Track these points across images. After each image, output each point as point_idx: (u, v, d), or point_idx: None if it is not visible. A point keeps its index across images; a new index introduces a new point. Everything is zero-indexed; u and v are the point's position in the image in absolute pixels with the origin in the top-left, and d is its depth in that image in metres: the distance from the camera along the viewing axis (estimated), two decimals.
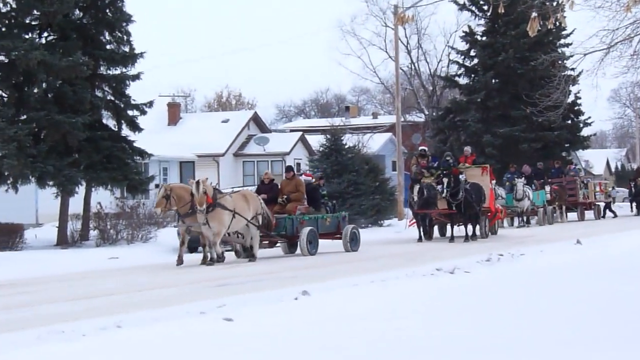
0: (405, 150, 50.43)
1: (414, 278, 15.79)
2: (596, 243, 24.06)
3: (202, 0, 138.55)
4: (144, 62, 33.14)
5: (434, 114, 61.83)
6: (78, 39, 31.36)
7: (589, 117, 57.15)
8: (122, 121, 32.97)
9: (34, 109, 29.84)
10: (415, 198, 29.29)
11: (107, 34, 32.61)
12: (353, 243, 26.12)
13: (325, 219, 26.12)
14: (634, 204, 50.56)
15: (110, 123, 33.36)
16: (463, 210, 29.59)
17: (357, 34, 66.43)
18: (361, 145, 51.53)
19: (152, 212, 29.00)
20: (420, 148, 34.15)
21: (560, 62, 31.21)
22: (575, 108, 55.38)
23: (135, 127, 33.02)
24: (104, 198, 32.06)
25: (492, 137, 52.78)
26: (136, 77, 32.56)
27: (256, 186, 27.71)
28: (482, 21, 56.94)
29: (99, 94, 32.59)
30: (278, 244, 26.21)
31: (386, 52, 64.54)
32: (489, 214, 31.99)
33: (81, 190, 31.76)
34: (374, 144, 62.30)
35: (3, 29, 30.45)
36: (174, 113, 61.09)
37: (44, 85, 30.89)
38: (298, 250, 25.25)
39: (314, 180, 27.82)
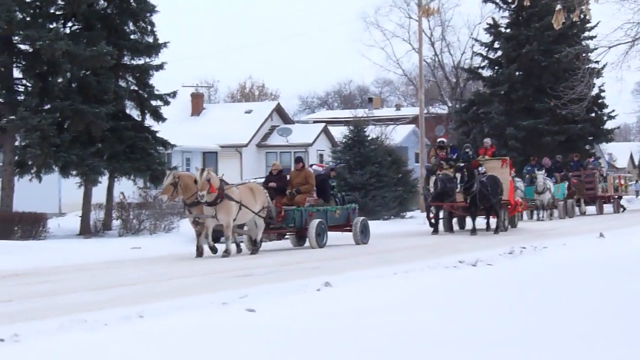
0: (428, 142, 50.33)
1: (437, 270, 15.76)
2: (619, 237, 23.89)
3: None
4: (167, 53, 33.29)
5: (457, 106, 61.65)
6: (102, 29, 31.48)
7: (613, 110, 56.90)
8: (146, 111, 33.09)
9: (58, 98, 29.95)
10: (431, 190, 29.10)
11: (131, 24, 32.73)
12: (363, 235, 25.61)
13: (334, 211, 25.62)
14: None
15: (134, 113, 33.49)
16: (478, 203, 29.34)
17: (381, 26, 66.29)
18: (384, 137, 51.52)
19: (159, 197, 28.45)
20: (439, 140, 33.95)
21: (584, 54, 30.97)
22: (599, 101, 55.13)
23: (158, 117, 33.13)
24: (127, 188, 32.16)
25: (515, 130, 52.60)
26: (160, 67, 32.65)
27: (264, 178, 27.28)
28: (506, 13, 56.77)
29: (122, 84, 32.73)
30: (287, 236, 25.98)
31: (410, 43, 64.35)
32: (509, 206, 31.74)
33: (104, 180, 31.91)
34: (397, 135, 62.26)
35: (28, 19, 30.55)
36: (197, 103, 61.24)
37: (68, 75, 31.03)
38: (307, 243, 24.85)
39: (323, 171, 27.55)
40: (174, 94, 33.42)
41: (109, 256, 23.18)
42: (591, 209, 45.34)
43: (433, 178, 29.19)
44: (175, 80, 50.70)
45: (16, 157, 30.16)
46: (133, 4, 32.37)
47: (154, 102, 33.06)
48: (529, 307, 11.17)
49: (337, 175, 39.27)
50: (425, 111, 51.93)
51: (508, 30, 55.99)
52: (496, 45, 56.58)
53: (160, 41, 32.73)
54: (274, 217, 23.78)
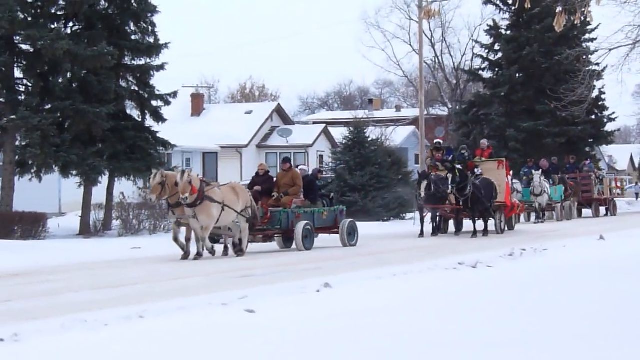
0: (428, 144, 50.31)
1: (436, 272, 15.75)
2: (619, 239, 23.89)
3: None
4: (168, 53, 33.36)
5: (458, 107, 61.62)
6: (103, 29, 31.53)
7: (613, 113, 56.78)
8: (146, 111, 33.12)
9: (59, 98, 29.97)
10: (422, 194, 28.63)
11: (132, 24, 32.77)
12: (350, 237, 25.24)
13: (322, 212, 25.18)
14: None
15: (134, 113, 33.52)
16: (471, 206, 29.13)
17: (382, 27, 66.38)
18: (384, 138, 51.54)
19: (148, 197, 28.08)
20: (436, 141, 33.75)
21: (585, 57, 31.02)
22: (600, 103, 55.03)
23: (159, 117, 33.16)
24: (127, 188, 32.19)
25: (515, 132, 52.57)
26: (160, 67, 32.69)
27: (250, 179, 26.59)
28: (507, 15, 56.70)
29: (123, 84, 32.76)
30: (274, 239, 25.55)
31: (410, 45, 64.42)
32: (505, 208, 31.50)
33: (104, 180, 31.92)
34: (397, 137, 62.27)
35: (29, 19, 30.56)
36: (198, 104, 61.26)
37: (69, 75, 31.07)
38: (294, 245, 24.49)
39: (310, 171, 27.03)
40: (174, 94, 33.46)
41: (109, 256, 23.15)
42: (587, 211, 45.23)
43: (425, 182, 28.66)
44: (176, 80, 50.81)
45: (17, 157, 30.18)
46: (134, 4, 32.40)
47: (154, 103, 33.11)
48: (529, 308, 11.18)
49: (338, 177, 39.41)
50: (426, 113, 51.92)
51: (509, 32, 55.93)
52: (497, 47, 56.51)
53: (161, 42, 32.78)
54: (257, 217, 23.33)
